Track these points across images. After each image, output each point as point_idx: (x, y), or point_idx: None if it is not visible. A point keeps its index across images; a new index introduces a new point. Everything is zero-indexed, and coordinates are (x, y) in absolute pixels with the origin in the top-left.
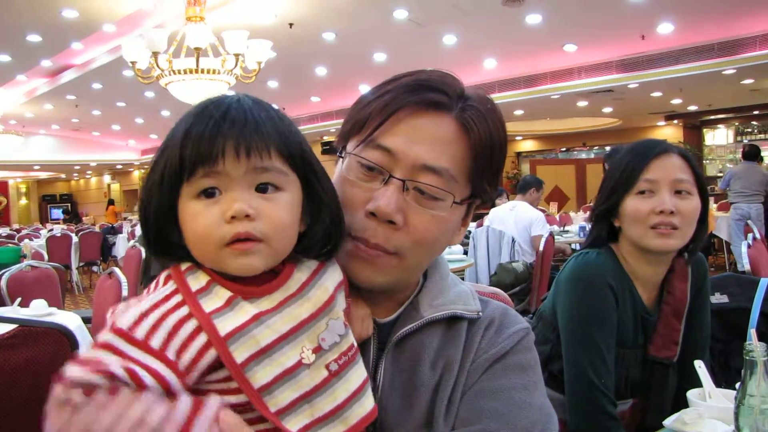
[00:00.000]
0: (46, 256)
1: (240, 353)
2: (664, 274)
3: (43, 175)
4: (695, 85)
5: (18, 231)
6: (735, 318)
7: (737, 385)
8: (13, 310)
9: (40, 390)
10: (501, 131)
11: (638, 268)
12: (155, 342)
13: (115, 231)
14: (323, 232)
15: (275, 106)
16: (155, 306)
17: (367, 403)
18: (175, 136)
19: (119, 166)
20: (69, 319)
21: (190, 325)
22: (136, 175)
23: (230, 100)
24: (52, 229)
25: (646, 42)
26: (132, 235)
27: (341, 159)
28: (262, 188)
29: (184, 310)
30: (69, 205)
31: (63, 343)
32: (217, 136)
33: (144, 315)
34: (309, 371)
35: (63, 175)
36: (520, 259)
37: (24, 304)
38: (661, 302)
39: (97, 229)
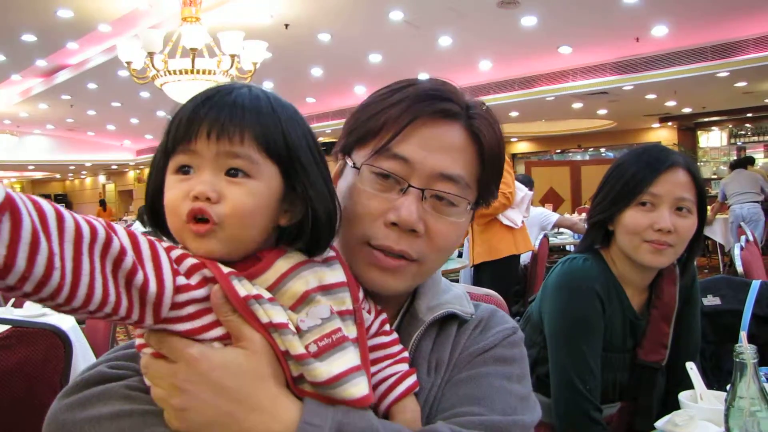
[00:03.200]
0: None
1: (240, 290)
2: (652, 278)
3: (38, 175)
4: (689, 87)
5: None
6: (727, 320)
7: (728, 387)
8: (7, 311)
9: (33, 390)
10: (502, 138)
11: (627, 273)
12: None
13: None
14: (308, 226)
15: (281, 100)
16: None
17: (355, 390)
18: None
19: (114, 167)
20: (62, 320)
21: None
22: (131, 175)
23: (225, 88)
24: None
25: (640, 44)
26: None
27: (355, 169)
28: (232, 173)
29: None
30: (64, 205)
31: (56, 344)
32: (195, 118)
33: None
34: (293, 338)
35: (58, 175)
36: None
37: (17, 304)
38: (650, 306)
39: None
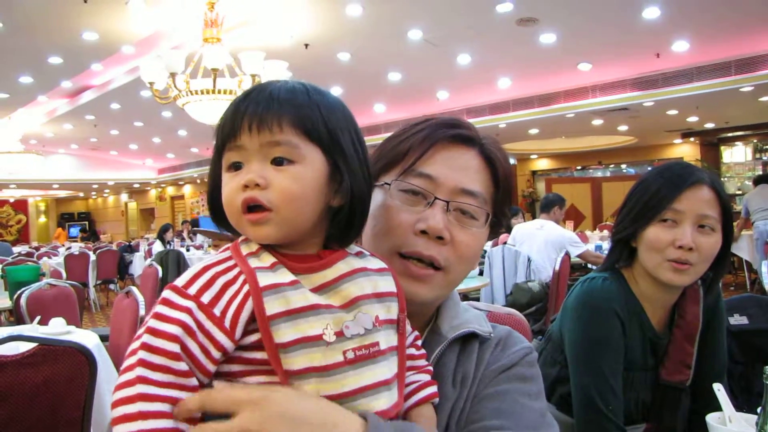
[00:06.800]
0: (64, 274)
1: (271, 306)
2: (676, 298)
3: (62, 193)
4: (712, 102)
5: (37, 249)
6: (755, 340)
7: (759, 409)
8: (33, 329)
9: (59, 408)
10: (511, 166)
11: (649, 292)
12: (205, 298)
13: (132, 249)
14: (346, 208)
15: (319, 88)
16: (207, 267)
17: (378, 403)
18: None
19: (136, 185)
20: (87, 338)
21: (236, 285)
22: (153, 193)
23: (262, 84)
24: (70, 247)
25: (661, 60)
26: (149, 253)
27: (384, 189)
28: (277, 161)
29: (233, 272)
30: (87, 223)
31: (81, 362)
32: (237, 114)
33: (197, 275)
34: (326, 349)
35: (81, 194)
36: (536, 279)
37: (43, 322)
38: (672, 325)
39: (114, 247)
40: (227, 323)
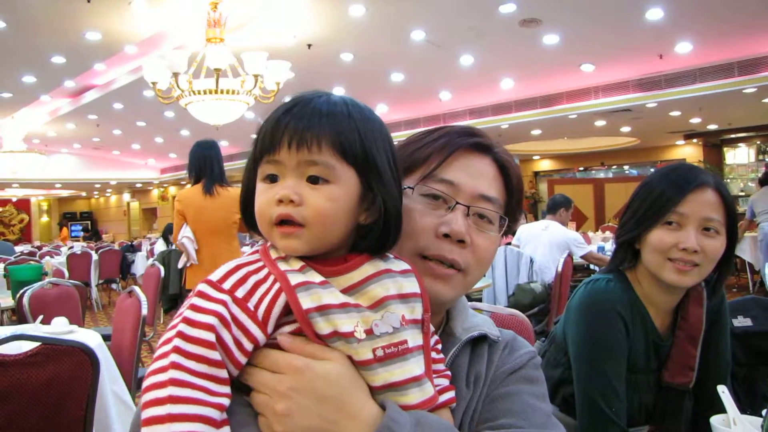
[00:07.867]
0: (66, 274)
1: (305, 301)
2: (679, 300)
3: (65, 193)
4: (715, 104)
5: (39, 248)
6: (759, 342)
7: (764, 411)
8: (35, 328)
9: (61, 407)
10: (520, 173)
11: (652, 294)
12: (239, 293)
13: (134, 249)
14: (378, 226)
15: (359, 104)
16: (239, 266)
17: (406, 399)
18: None
19: (139, 185)
20: (89, 337)
21: (267, 284)
22: (155, 193)
23: (305, 97)
24: (72, 247)
25: (664, 61)
26: (151, 253)
27: (406, 192)
28: (312, 179)
29: (263, 272)
30: (89, 223)
31: (84, 361)
32: (278, 129)
33: (230, 272)
34: (358, 345)
35: (83, 193)
36: (539, 280)
37: (45, 321)
38: (675, 328)
39: (116, 247)
40: (260, 317)
